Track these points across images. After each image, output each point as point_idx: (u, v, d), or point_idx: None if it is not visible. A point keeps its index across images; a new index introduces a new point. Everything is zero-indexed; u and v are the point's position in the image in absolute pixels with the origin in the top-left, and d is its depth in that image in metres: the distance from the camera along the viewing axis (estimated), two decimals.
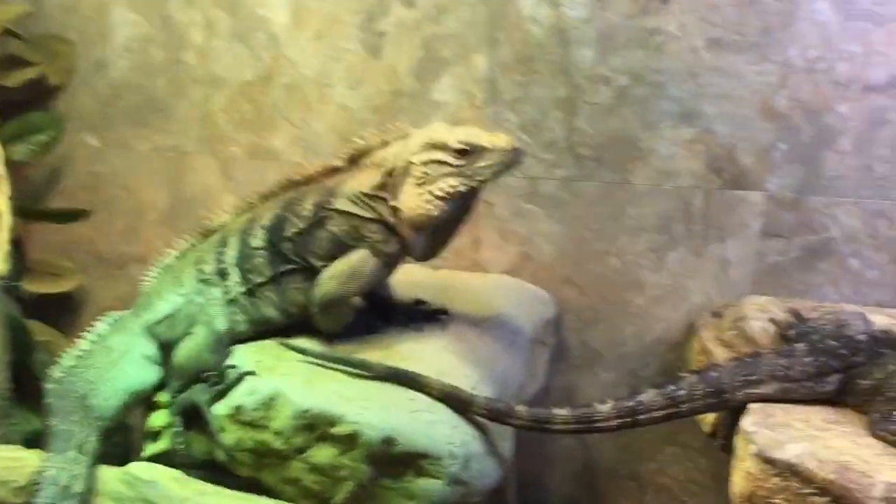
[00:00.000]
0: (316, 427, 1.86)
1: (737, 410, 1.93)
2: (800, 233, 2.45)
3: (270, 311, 2.10)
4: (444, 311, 2.24)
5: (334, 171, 2.11)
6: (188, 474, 1.93)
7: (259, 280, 2.09)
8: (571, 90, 2.50)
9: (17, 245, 2.77)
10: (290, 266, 2.08)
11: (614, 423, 1.92)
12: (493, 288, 2.51)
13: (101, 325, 2.10)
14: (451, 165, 1.96)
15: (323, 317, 2.06)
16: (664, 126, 2.47)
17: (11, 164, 2.49)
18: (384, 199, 2.03)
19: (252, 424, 1.90)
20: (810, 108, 2.39)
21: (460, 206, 2.03)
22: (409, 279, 2.33)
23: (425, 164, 1.98)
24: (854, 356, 1.90)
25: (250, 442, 1.91)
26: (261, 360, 2.01)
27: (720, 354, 2.17)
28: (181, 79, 2.77)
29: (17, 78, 2.73)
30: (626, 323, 2.60)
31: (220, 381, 1.97)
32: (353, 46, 2.62)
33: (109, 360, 2.04)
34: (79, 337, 2.08)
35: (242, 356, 2.04)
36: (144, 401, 2.09)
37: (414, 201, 1.98)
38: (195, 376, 2.00)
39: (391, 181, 2.02)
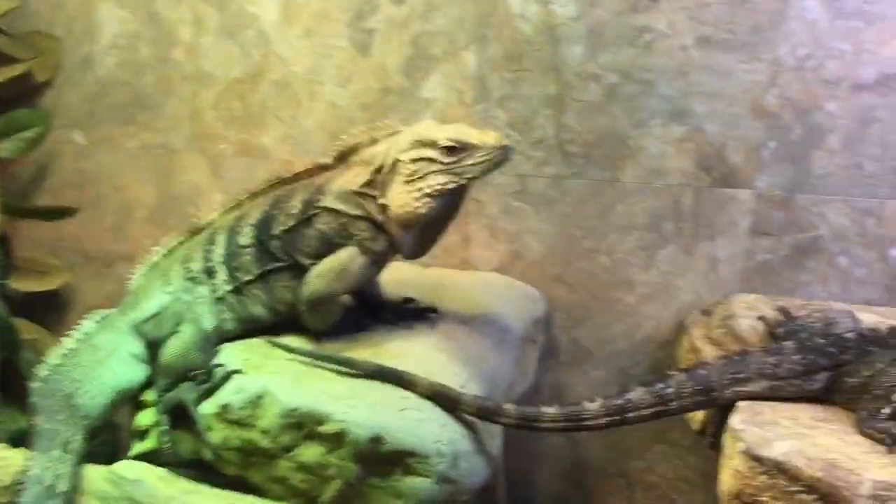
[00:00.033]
0: (303, 426, 1.85)
1: (725, 408, 1.93)
2: (789, 231, 2.46)
3: (258, 310, 2.09)
4: (433, 310, 2.23)
5: (323, 168, 2.10)
6: (175, 473, 1.93)
7: (247, 278, 2.08)
8: (561, 87, 2.50)
9: (4, 242, 2.77)
10: (278, 264, 2.07)
11: (603, 421, 1.92)
12: (483, 286, 2.51)
13: (87, 324, 2.08)
14: (439, 163, 1.95)
15: (311, 315, 2.05)
16: (654, 124, 2.47)
17: None
18: (373, 197, 2.02)
19: (239, 423, 1.89)
20: (800, 107, 2.39)
21: (449, 204, 2.02)
22: (399, 277, 2.32)
23: (414, 161, 1.97)
24: (842, 354, 1.91)
25: (237, 441, 1.89)
26: (248, 359, 2.00)
27: (709, 352, 2.17)
28: (169, 76, 2.75)
29: (2, 74, 2.71)
30: (615, 321, 2.60)
31: (207, 379, 1.96)
32: (343, 44, 2.61)
33: (96, 359, 2.03)
34: (65, 335, 2.07)
35: (230, 354, 2.03)
36: (131, 399, 2.08)
37: (402, 199, 1.97)
38: (182, 375, 1.98)
39: (380, 179, 2.01)
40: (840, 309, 2.14)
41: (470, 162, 1.95)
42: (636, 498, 2.70)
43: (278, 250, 2.07)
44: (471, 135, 1.96)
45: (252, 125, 2.72)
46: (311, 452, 1.85)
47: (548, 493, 2.76)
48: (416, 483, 1.82)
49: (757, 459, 1.74)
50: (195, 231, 2.18)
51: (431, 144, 1.96)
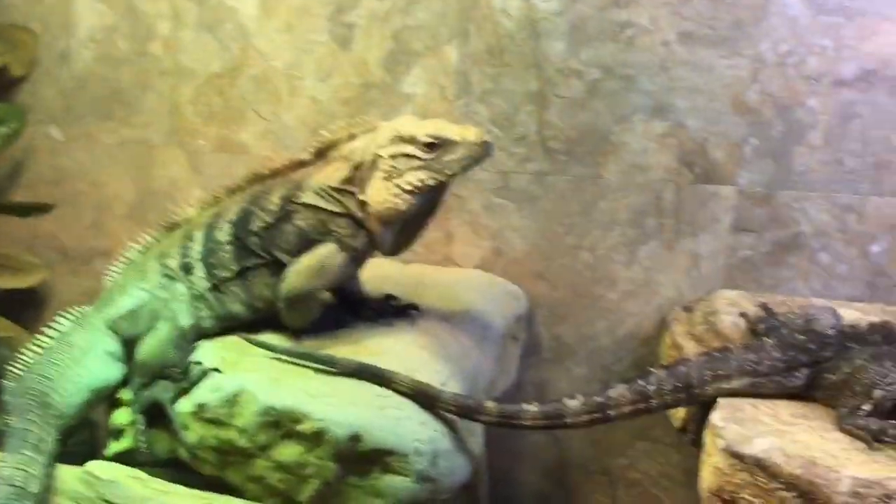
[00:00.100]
0: (281, 424, 1.83)
1: (706, 405, 1.93)
2: (770, 227, 2.46)
3: (236, 307, 2.06)
4: (414, 307, 2.21)
5: (301, 164, 2.08)
6: (151, 473, 1.90)
7: (224, 275, 2.05)
8: (542, 83, 2.48)
9: None
10: (256, 261, 2.05)
11: (584, 418, 1.91)
12: (464, 283, 2.49)
13: (62, 321, 2.05)
14: (419, 159, 1.94)
15: (290, 312, 2.03)
16: (636, 120, 2.46)
17: None
18: (352, 193, 2.00)
19: (216, 422, 1.87)
20: (781, 103, 2.39)
21: (429, 200, 2.01)
22: (380, 274, 2.30)
23: (393, 157, 1.95)
24: (822, 351, 1.91)
25: (214, 440, 1.87)
26: (225, 357, 1.98)
27: (691, 349, 2.17)
28: (147, 70, 2.72)
29: None
30: (598, 318, 2.59)
31: (184, 377, 1.93)
32: (323, 38, 2.59)
33: (71, 357, 1.99)
34: (40, 333, 2.04)
35: (206, 352, 2.01)
36: (107, 398, 2.05)
37: (382, 195, 1.95)
38: (158, 373, 1.96)
39: (359, 175, 1.99)
40: (821, 305, 2.14)
41: (450, 158, 1.93)
42: (618, 495, 2.69)
43: (257, 247, 2.04)
44: (451, 130, 1.94)
45: (231, 120, 2.69)
46: (289, 451, 1.83)
47: (530, 491, 2.75)
48: (396, 482, 1.81)
49: (737, 457, 1.73)
50: (172, 227, 2.16)
51: (411, 140, 1.94)
